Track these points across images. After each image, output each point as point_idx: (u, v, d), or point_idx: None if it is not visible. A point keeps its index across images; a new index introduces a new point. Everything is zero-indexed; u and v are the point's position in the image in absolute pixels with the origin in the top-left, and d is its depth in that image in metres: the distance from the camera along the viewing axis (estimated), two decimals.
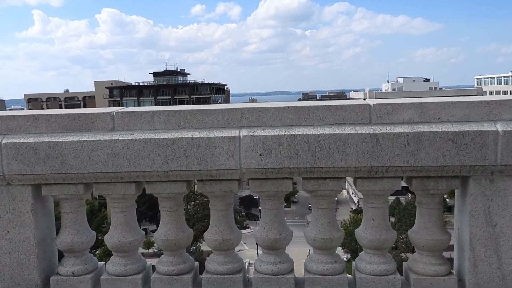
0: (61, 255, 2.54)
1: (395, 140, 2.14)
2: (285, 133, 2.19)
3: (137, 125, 2.30)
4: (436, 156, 2.12)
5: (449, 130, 2.11)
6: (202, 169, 2.24)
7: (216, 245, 2.41)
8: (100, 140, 2.24)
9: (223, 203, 2.42)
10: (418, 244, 2.33)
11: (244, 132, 2.22)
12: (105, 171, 2.26)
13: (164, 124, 2.29)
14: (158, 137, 2.24)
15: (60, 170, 2.26)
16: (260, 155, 2.20)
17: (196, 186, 2.40)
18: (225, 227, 2.42)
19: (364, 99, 2.56)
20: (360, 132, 2.16)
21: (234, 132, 2.22)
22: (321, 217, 2.36)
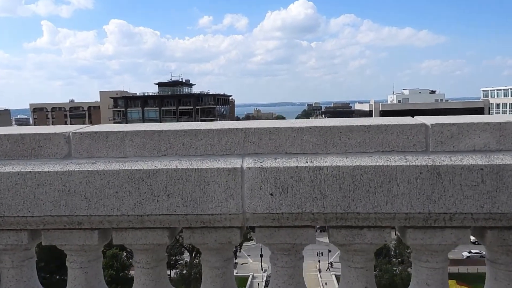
0: None
1: (464, 176, 1.50)
2: (307, 164, 1.56)
3: (101, 150, 1.67)
4: None
5: None
6: (190, 213, 1.61)
7: None
8: (49, 171, 1.61)
9: (219, 258, 1.77)
10: None
11: (249, 162, 1.59)
12: (57, 214, 1.63)
13: (139, 150, 1.66)
14: (130, 168, 1.61)
15: None
16: (271, 194, 1.57)
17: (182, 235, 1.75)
18: None
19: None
20: (414, 163, 1.52)
21: (235, 162, 1.59)
22: (355, 280, 1.70)
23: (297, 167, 1.56)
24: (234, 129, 1.62)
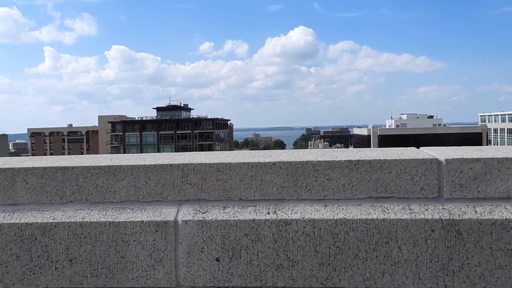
0: None
1: (496, 236, 1.02)
2: (269, 217, 1.08)
3: None
4: None
5: None
6: (101, 287, 1.12)
7: None
8: None
9: None
10: None
11: (186, 213, 1.11)
12: None
13: (35, 195, 1.18)
14: (18, 220, 1.13)
15: None
16: (218, 260, 1.09)
17: None
18: None
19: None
20: (422, 216, 1.04)
21: (167, 213, 1.12)
22: None
23: (254, 220, 1.09)
24: (167, 166, 1.15)
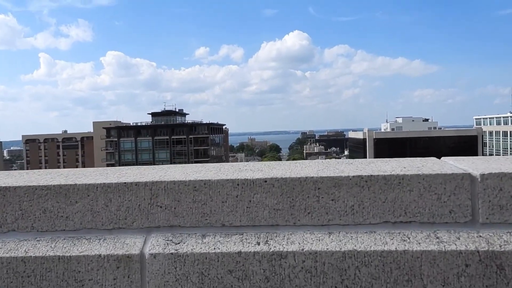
0: None
1: None
2: (258, 248, 0.86)
3: None
4: None
5: None
6: None
7: None
8: None
9: None
10: None
11: (156, 244, 0.88)
12: None
13: None
14: None
15: None
16: None
17: None
18: None
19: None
20: (453, 247, 0.82)
21: (132, 244, 0.89)
22: None
23: (240, 253, 0.86)
24: (132, 184, 0.93)
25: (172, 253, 0.87)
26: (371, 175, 0.88)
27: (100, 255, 0.88)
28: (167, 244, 0.89)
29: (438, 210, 0.86)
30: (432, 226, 0.87)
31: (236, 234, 0.90)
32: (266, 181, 0.90)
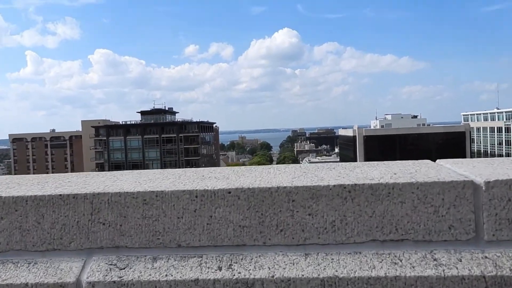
0: None
1: None
2: (220, 275, 0.70)
3: None
4: None
5: None
6: None
7: None
8: None
9: None
10: None
11: (96, 269, 0.73)
12: None
13: None
14: None
15: None
16: None
17: None
18: None
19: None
20: (452, 272, 0.68)
21: (67, 268, 0.73)
22: None
23: (198, 281, 0.71)
24: (69, 196, 0.77)
25: (114, 281, 0.71)
26: (356, 184, 0.73)
27: (27, 284, 0.72)
28: (110, 269, 0.73)
29: (436, 226, 0.72)
30: (428, 245, 0.72)
31: (194, 256, 0.75)
32: (230, 192, 0.75)
